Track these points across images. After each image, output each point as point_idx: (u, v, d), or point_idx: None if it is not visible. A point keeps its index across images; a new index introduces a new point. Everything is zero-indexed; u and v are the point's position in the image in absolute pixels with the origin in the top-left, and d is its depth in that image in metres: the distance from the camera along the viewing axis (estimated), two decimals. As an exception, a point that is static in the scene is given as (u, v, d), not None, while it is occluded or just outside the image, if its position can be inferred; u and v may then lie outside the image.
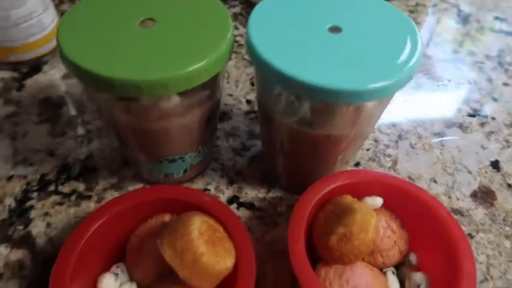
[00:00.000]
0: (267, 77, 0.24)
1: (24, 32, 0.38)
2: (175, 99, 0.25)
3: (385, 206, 0.29)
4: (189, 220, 0.23)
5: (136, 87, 0.21)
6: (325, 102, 0.24)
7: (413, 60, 0.23)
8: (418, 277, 0.26)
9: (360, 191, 0.28)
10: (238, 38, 0.48)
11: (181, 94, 0.25)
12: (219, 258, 0.23)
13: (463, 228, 0.32)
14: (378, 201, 0.28)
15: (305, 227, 0.26)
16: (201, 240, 0.22)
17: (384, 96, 0.22)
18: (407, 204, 0.28)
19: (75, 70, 0.22)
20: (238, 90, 0.42)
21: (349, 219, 0.25)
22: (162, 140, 0.27)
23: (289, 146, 0.28)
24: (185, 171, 0.31)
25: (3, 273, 0.28)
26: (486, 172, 0.36)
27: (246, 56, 0.46)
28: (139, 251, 0.26)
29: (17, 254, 0.29)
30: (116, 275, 0.26)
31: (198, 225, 0.23)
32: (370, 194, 0.28)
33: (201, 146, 0.30)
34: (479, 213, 0.33)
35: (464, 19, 0.54)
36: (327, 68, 0.22)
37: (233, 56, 0.46)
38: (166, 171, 0.31)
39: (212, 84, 0.26)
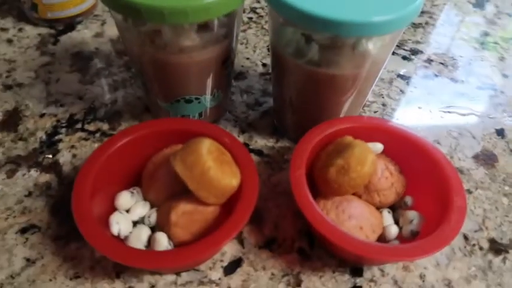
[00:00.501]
0: (280, 13, 0.26)
1: (62, -10, 0.42)
2: (194, 37, 0.27)
3: (385, 152, 0.30)
4: (200, 141, 0.25)
5: (160, 13, 0.24)
6: (331, 39, 0.26)
7: (417, 1, 0.25)
8: (411, 214, 0.28)
9: (362, 136, 0.29)
10: (259, 10, 0.50)
11: (200, 29, 0.27)
12: (225, 175, 0.25)
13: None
14: (378, 146, 0.30)
15: (307, 163, 0.28)
16: (210, 156, 0.25)
17: (385, 31, 0.24)
18: (407, 151, 0.30)
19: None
20: (256, 54, 0.44)
21: (347, 152, 0.26)
22: (181, 76, 0.29)
23: (298, 89, 0.30)
24: (200, 115, 0.34)
25: (32, 191, 0.31)
26: (490, 138, 0.37)
27: (266, 26, 0.48)
28: (153, 177, 0.29)
29: (45, 177, 0.32)
30: (132, 193, 0.28)
31: (207, 144, 0.25)
32: (372, 140, 0.30)
33: (216, 89, 0.32)
34: (479, 172, 0.34)
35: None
36: (334, 3, 0.24)
37: (253, 25, 0.48)
38: (182, 113, 0.33)
39: (229, 23, 0.28)
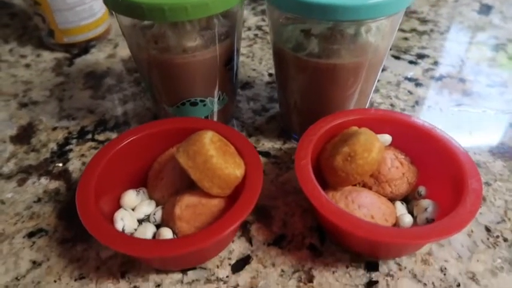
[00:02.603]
0: (278, 7, 0.27)
1: (77, 15, 0.45)
2: (196, 37, 0.28)
3: (394, 144, 0.29)
4: (203, 132, 0.25)
5: (161, 10, 0.25)
6: (330, 29, 0.26)
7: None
8: (425, 202, 0.26)
9: (369, 128, 0.29)
10: (264, 28, 0.52)
11: (202, 30, 0.28)
12: (228, 165, 0.25)
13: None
14: (387, 138, 0.29)
15: (313, 155, 0.27)
16: (212, 146, 0.25)
17: (381, 14, 0.24)
18: (416, 140, 0.29)
19: (112, 2, 0.26)
20: (262, 66, 0.45)
21: (353, 140, 0.26)
22: (185, 76, 0.30)
23: (301, 83, 0.30)
24: (206, 118, 0.34)
25: (41, 198, 0.31)
26: (505, 132, 0.36)
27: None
28: (158, 176, 0.29)
29: (55, 184, 0.32)
30: (138, 192, 0.28)
31: (210, 135, 0.25)
32: (379, 131, 0.29)
33: (221, 92, 0.33)
34: (497, 165, 0.33)
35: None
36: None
37: (258, 40, 0.50)
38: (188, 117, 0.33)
39: (229, 22, 0.29)
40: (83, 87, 0.42)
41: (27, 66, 0.46)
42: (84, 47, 0.48)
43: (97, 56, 0.47)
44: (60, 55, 0.48)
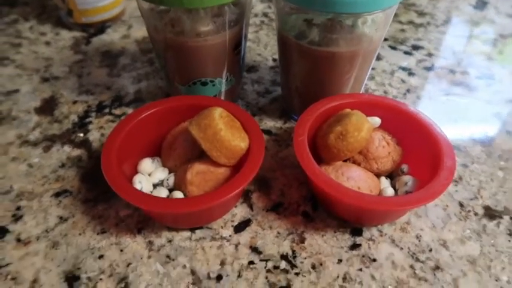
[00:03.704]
0: (286, 1, 0.30)
1: (95, -4, 0.48)
2: (209, 23, 0.31)
3: (383, 126, 0.33)
4: (213, 108, 0.29)
5: (179, -3, 0.28)
6: (330, 20, 0.29)
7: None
8: (406, 177, 0.30)
9: (361, 111, 0.32)
10: (270, 15, 0.55)
11: (214, 16, 0.31)
12: (235, 137, 0.28)
13: (458, 160, 0.35)
14: (376, 120, 0.32)
15: (310, 133, 0.31)
16: (221, 120, 0.28)
17: (376, 7, 0.27)
18: (404, 124, 0.32)
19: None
20: (267, 51, 0.48)
21: (345, 120, 0.29)
22: (197, 58, 0.33)
23: (302, 69, 0.34)
24: (215, 97, 0.37)
25: (65, 163, 0.35)
26: (487, 120, 0.39)
27: (276, 28, 0.52)
28: (171, 146, 0.32)
29: (77, 152, 0.36)
30: (153, 160, 0.32)
31: (219, 111, 0.29)
32: (371, 114, 0.32)
33: (229, 74, 0.36)
34: (476, 149, 0.36)
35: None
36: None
37: (264, 27, 0.52)
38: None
39: (239, 10, 0.32)
40: (99, 65, 0.46)
41: (47, 43, 0.49)
42: (101, 27, 0.51)
43: (112, 36, 0.50)
44: (77, 34, 0.51)
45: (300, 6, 0.29)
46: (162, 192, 0.30)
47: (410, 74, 0.45)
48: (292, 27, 0.32)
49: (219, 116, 0.28)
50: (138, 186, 0.29)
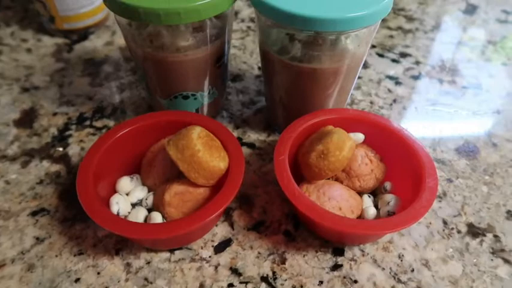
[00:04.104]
0: (265, 15, 0.29)
1: (78, 3, 0.46)
2: (189, 38, 0.31)
3: (367, 142, 0.32)
4: (191, 127, 0.28)
5: (156, 14, 0.27)
6: (312, 37, 0.28)
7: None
8: (388, 196, 0.30)
9: (345, 127, 0.32)
10: (257, 20, 0.54)
11: (195, 31, 0.30)
12: (213, 158, 0.28)
13: (443, 174, 0.35)
14: (360, 136, 0.32)
15: (292, 151, 0.30)
16: (199, 141, 0.27)
17: (358, 26, 0.27)
18: (387, 140, 0.32)
19: (111, 3, 0.28)
20: (252, 59, 0.47)
21: (327, 139, 0.29)
22: (178, 73, 0.32)
23: (285, 84, 0.33)
24: (197, 111, 0.37)
25: (43, 179, 0.34)
26: (473, 132, 0.39)
27: (263, 34, 0.51)
28: (151, 164, 0.32)
29: (56, 167, 0.35)
30: (132, 178, 0.31)
31: (198, 131, 0.28)
32: (354, 130, 0.32)
33: (211, 87, 0.35)
34: (461, 163, 0.36)
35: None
36: (313, 4, 0.27)
37: (251, 33, 0.52)
38: (180, 109, 0.36)
39: (220, 24, 0.31)
40: (81, 74, 0.45)
41: (29, 50, 0.48)
42: (83, 34, 0.50)
43: (95, 43, 0.49)
44: (60, 40, 0.49)
45: (281, 23, 0.28)
46: (140, 213, 0.29)
47: (397, 83, 0.44)
48: (274, 42, 0.31)
49: (197, 136, 0.28)
50: (115, 207, 0.28)
